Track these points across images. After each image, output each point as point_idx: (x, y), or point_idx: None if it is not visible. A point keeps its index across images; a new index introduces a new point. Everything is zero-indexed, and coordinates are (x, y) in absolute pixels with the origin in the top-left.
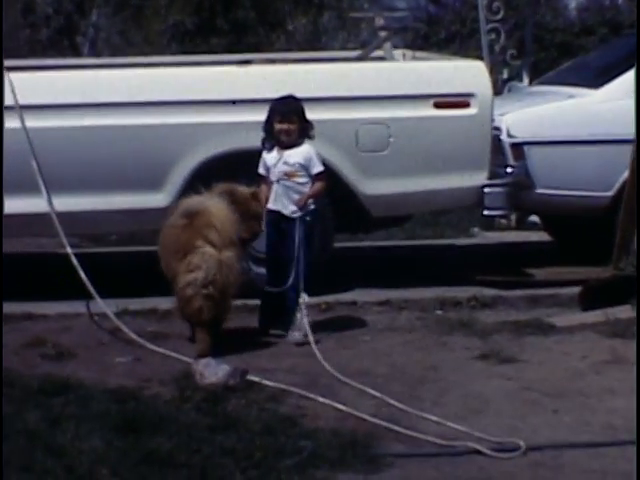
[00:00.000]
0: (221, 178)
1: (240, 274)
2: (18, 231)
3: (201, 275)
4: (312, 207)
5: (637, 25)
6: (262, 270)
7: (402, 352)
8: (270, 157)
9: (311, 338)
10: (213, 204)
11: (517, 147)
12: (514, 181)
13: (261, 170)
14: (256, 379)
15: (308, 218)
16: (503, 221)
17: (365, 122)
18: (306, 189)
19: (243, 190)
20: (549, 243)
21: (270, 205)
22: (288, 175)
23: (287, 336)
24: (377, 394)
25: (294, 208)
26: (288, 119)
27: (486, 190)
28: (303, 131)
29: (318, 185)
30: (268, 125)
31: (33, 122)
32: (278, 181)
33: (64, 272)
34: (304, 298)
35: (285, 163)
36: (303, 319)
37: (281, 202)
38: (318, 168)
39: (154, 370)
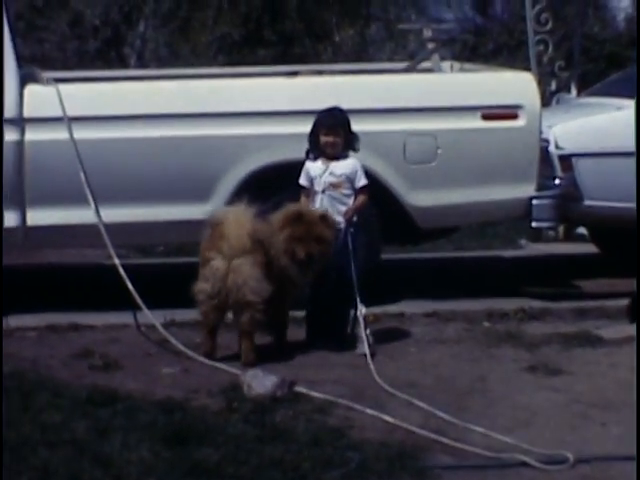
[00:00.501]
0: (268, 190)
1: (262, 281)
2: (67, 242)
3: (208, 287)
4: (355, 219)
5: (637, 27)
6: None
7: (449, 364)
8: (315, 167)
9: (367, 351)
10: (233, 213)
11: (565, 159)
12: (562, 193)
13: (303, 181)
14: (303, 390)
15: (352, 230)
16: (551, 233)
17: (413, 134)
18: (350, 201)
19: (313, 212)
20: (597, 255)
21: None
22: (334, 186)
23: (356, 349)
24: (424, 406)
25: (340, 219)
26: (334, 131)
27: (534, 202)
28: (348, 143)
29: (362, 198)
30: (313, 136)
31: (81, 134)
32: (324, 191)
33: (112, 283)
34: (362, 310)
35: (331, 174)
36: (365, 330)
37: None
38: (363, 181)
39: (201, 381)
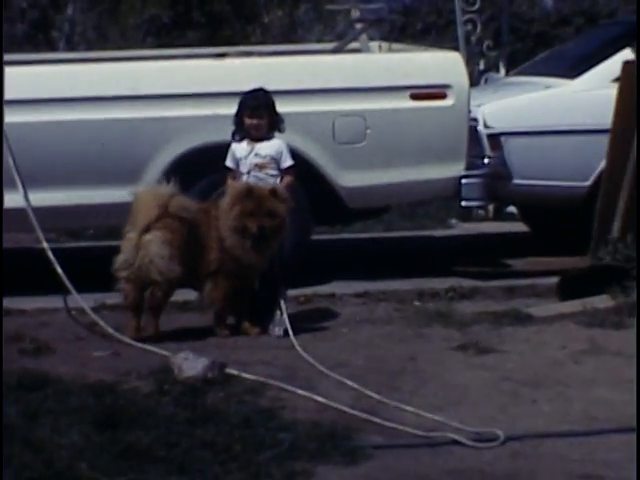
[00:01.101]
0: (197, 172)
1: (170, 260)
2: None
3: (120, 258)
4: None
5: (637, 24)
6: None
7: (380, 344)
8: (240, 149)
9: (290, 331)
10: (145, 190)
11: (494, 138)
12: (491, 172)
13: (229, 163)
14: (235, 372)
15: None
16: (481, 212)
17: (342, 114)
18: (276, 182)
19: (263, 187)
20: (526, 234)
21: None
22: (260, 167)
23: (268, 331)
24: (356, 386)
25: None
26: (258, 113)
27: (463, 181)
28: (273, 125)
29: (288, 179)
30: (238, 118)
31: (9, 117)
32: (249, 172)
33: (41, 267)
34: (283, 292)
35: (257, 155)
36: (283, 313)
37: None
38: (289, 162)
39: (132, 364)
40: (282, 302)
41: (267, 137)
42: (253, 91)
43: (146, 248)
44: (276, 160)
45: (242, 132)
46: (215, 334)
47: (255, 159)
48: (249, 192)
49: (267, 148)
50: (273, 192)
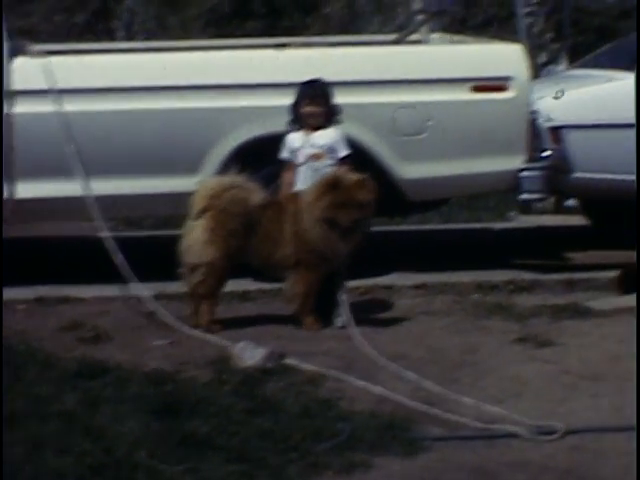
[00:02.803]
0: (257, 162)
1: (207, 244)
2: (56, 215)
3: (180, 247)
4: None
5: (637, 24)
6: None
7: (439, 336)
8: (296, 139)
9: (351, 322)
10: (205, 181)
11: (555, 131)
12: (552, 165)
13: (285, 154)
14: (293, 362)
15: None
16: (540, 205)
17: (402, 106)
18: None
19: (349, 178)
20: (587, 227)
21: (299, 187)
22: (316, 157)
23: (334, 323)
24: (414, 377)
25: None
26: (315, 102)
27: (524, 174)
28: (330, 115)
29: (344, 169)
30: (295, 107)
31: (70, 106)
32: (305, 162)
33: (101, 256)
34: (344, 284)
35: (312, 145)
36: (343, 304)
37: (309, 184)
38: (345, 151)
39: (191, 353)
40: (343, 294)
41: (323, 127)
42: (311, 81)
43: (188, 234)
44: (332, 150)
45: (299, 122)
46: (303, 326)
47: (311, 149)
48: (338, 182)
49: (323, 138)
50: (361, 182)
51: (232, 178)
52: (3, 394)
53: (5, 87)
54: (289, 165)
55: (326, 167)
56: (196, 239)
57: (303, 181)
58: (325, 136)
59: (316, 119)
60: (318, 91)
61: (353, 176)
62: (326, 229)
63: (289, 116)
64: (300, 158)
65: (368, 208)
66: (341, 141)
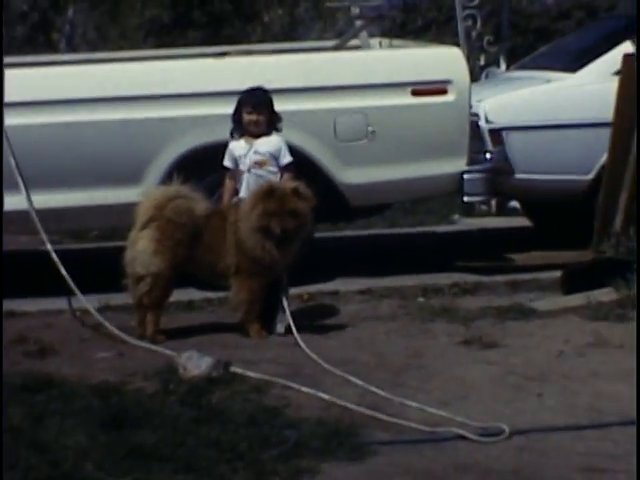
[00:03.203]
0: (199, 171)
1: (153, 255)
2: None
3: (124, 258)
4: None
5: (637, 23)
6: None
7: (385, 340)
8: (239, 147)
9: (294, 329)
10: (148, 191)
11: (495, 133)
12: (493, 167)
13: (227, 162)
14: (239, 370)
15: None
16: (483, 207)
17: (343, 111)
18: (276, 178)
19: (283, 186)
20: (529, 228)
21: (242, 195)
22: (259, 164)
23: (275, 329)
24: (360, 382)
25: None
26: (257, 109)
27: (465, 176)
28: (272, 122)
29: (288, 176)
30: (237, 116)
31: (10, 119)
32: (249, 170)
33: (45, 269)
34: (286, 290)
35: (256, 152)
36: (286, 311)
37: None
38: (288, 159)
39: (137, 365)
40: (285, 300)
41: (265, 134)
42: (252, 89)
43: (133, 244)
44: (275, 157)
45: (240, 129)
46: (248, 335)
47: (254, 156)
48: (271, 191)
49: (266, 145)
50: (296, 191)
51: (176, 188)
52: None
53: None
54: (232, 173)
55: (269, 174)
56: (142, 250)
57: (247, 189)
58: (268, 143)
59: (258, 127)
60: (260, 99)
61: (288, 185)
62: (260, 237)
63: (231, 124)
64: (243, 166)
65: (303, 216)
66: (284, 147)
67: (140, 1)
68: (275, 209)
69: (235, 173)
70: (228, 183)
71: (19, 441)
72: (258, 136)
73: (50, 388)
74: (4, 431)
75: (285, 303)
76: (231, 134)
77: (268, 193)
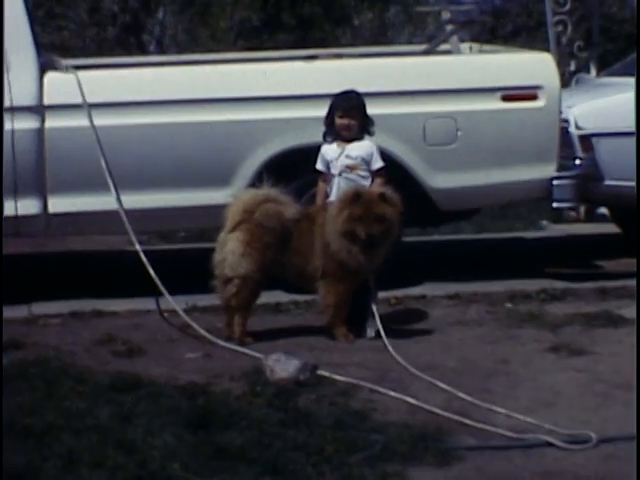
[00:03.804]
0: (289, 174)
1: (242, 257)
2: (89, 229)
3: (214, 259)
4: None
5: (637, 25)
6: None
7: (472, 345)
8: (331, 150)
9: (383, 333)
10: (239, 194)
11: (585, 139)
12: (583, 173)
13: (319, 165)
14: (326, 374)
15: None
16: (572, 213)
17: (432, 116)
18: (367, 183)
19: (370, 191)
20: (618, 235)
21: (333, 198)
22: (351, 168)
23: (362, 334)
24: (447, 388)
25: None
26: (349, 114)
27: (555, 182)
28: (364, 126)
29: (379, 181)
30: (329, 119)
31: (101, 120)
32: (340, 174)
33: (134, 269)
34: (375, 294)
35: (347, 156)
36: (375, 315)
37: None
38: (379, 164)
39: (224, 366)
40: (374, 304)
41: (357, 139)
42: (345, 92)
43: (223, 246)
44: (366, 162)
45: (333, 133)
46: (335, 338)
47: (346, 160)
48: (357, 196)
49: (357, 149)
50: (382, 196)
51: (266, 191)
52: (37, 409)
53: (36, 102)
54: (323, 177)
55: (360, 179)
56: (231, 252)
57: (337, 192)
58: (359, 148)
59: (350, 131)
60: (352, 103)
61: (375, 190)
62: (346, 242)
63: (323, 128)
64: (334, 169)
65: (389, 221)
66: (375, 152)
67: (230, 3)
68: (361, 214)
69: (327, 176)
70: (320, 186)
71: (107, 441)
72: (350, 140)
73: (138, 388)
74: (92, 430)
75: (374, 308)
76: (324, 137)
77: (354, 198)
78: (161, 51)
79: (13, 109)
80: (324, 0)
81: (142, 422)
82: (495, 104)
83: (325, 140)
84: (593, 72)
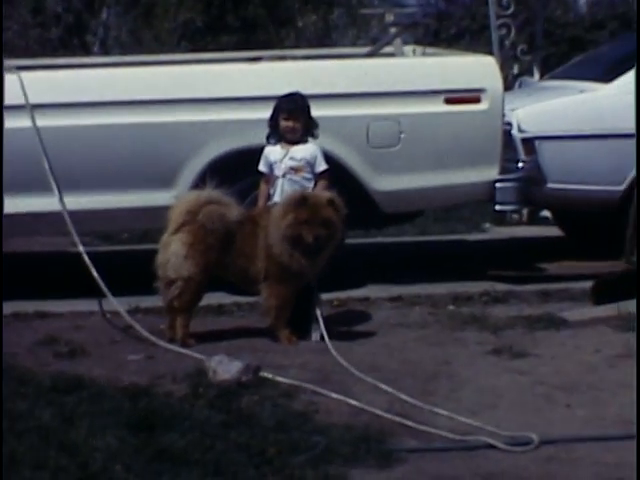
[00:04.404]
0: (232, 176)
1: (186, 259)
2: (31, 230)
3: (156, 259)
4: None
5: (637, 25)
6: None
7: (415, 347)
8: (275, 152)
9: (325, 335)
10: (182, 195)
11: (528, 142)
12: (525, 176)
13: (262, 167)
14: (269, 375)
15: None
16: (515, 216)
17: (376, 118)
18: (311, 185)
19: (316, 195)
20: (561, 238)
21: (276, 199)
22: (295, 170)
23: (311, 337)
24: (390, 389)
25: None
26: (294, 116)
27: (497, 185)
28: (308, 129)
29: (322, 183)
30: (273, 121)
31: (44, 121)
32: (284, 175)
33: (76, 271)
34: (318, 297)
35: (292, 158)
36: (318, 317)
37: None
38: (323, 166)
39: (166, 367)
40: (318, 307)
41: (302, 141)
42: (290, 94)
43: (166, 248)
44: (311, 164)
45: (277, 135)
46: (278, 340)
47: (290, 162)
48: (304, 200)
49: (302, 152)
50: (330, 201)
51: (210, 193)
52: None
53: None
54: (265, 178)
55: (304, 181)
56: (174, 253)
57: (280, 194)
58: (304, 150)
59: (294, 133)
60: (297, 105)
61: (322, 194)
62: (290, 245)
63: (266, 129)
64: (278, 171)
65: (334, 226)
66: (319, 155)
67: (174, 4)
68: (307, 218)
69: (270, 178)
70: (262, 188)
71: (49, 442)
72: (294, 142)
73: (80, 389)
74: (33, 431)
75: (318, 312)
76: (267, 139)
77: (301, 201)
78: (105, 52)
79: None
80: (268, 2)
81: (84, 424)
82: (438, 107)
83: (268, 142)
84: (536, 75)
